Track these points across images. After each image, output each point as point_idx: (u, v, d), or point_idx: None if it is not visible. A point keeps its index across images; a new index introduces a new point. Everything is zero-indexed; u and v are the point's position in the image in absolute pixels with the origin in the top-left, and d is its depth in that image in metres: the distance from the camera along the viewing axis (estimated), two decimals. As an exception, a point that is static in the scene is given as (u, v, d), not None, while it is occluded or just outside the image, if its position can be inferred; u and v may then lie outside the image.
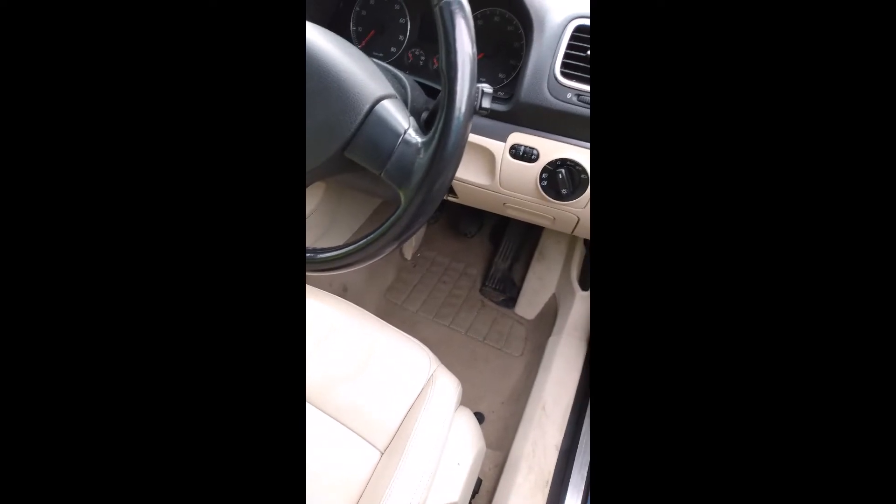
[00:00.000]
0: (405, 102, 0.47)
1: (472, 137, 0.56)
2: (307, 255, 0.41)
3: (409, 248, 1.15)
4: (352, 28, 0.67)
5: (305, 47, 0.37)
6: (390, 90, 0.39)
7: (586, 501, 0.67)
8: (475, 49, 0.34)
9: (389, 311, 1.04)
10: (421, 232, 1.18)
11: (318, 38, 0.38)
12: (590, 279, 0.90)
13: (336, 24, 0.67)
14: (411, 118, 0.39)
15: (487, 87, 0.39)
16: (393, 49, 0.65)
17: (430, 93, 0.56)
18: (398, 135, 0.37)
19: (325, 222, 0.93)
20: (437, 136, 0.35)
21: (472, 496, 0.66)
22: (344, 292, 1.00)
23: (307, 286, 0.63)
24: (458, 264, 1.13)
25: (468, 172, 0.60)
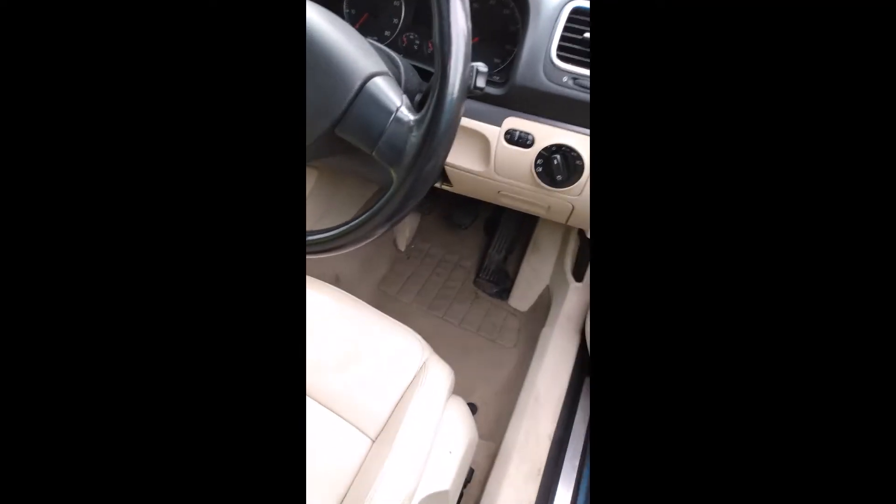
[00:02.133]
0: (398, 82, 0.46)
1: (467, 122, 0.55)
2: None
3: (403, 240, 1.14)
4: (345, 10, 0.65)
5: (306, 24, 0.36)
6: (382, 67, 0.38)
7: (578, 491, 0.67)
8: (470, 25, 0.33)
9: (383, 302, 1.04)
10: (415, 223, 1.17)
11: (310, 13, 0.37)
12: (589, 270, 0.89)
13: (329, 6, 0.66)
14: (404, 96, 0.38)
15: (482, 66, 0.38)
16: (387, 33, 0.64)
17: (425, 76, 0.55)
18: (390, 112, 0.36)
19: (319, 210, 0.92)
20: (429, 114, 0.34)
21: (464, 486, 0.65)
22: (337, 282, 0.99)
23: None
24: (452, 256, 1.12)
25: (462, 158, 0.59)
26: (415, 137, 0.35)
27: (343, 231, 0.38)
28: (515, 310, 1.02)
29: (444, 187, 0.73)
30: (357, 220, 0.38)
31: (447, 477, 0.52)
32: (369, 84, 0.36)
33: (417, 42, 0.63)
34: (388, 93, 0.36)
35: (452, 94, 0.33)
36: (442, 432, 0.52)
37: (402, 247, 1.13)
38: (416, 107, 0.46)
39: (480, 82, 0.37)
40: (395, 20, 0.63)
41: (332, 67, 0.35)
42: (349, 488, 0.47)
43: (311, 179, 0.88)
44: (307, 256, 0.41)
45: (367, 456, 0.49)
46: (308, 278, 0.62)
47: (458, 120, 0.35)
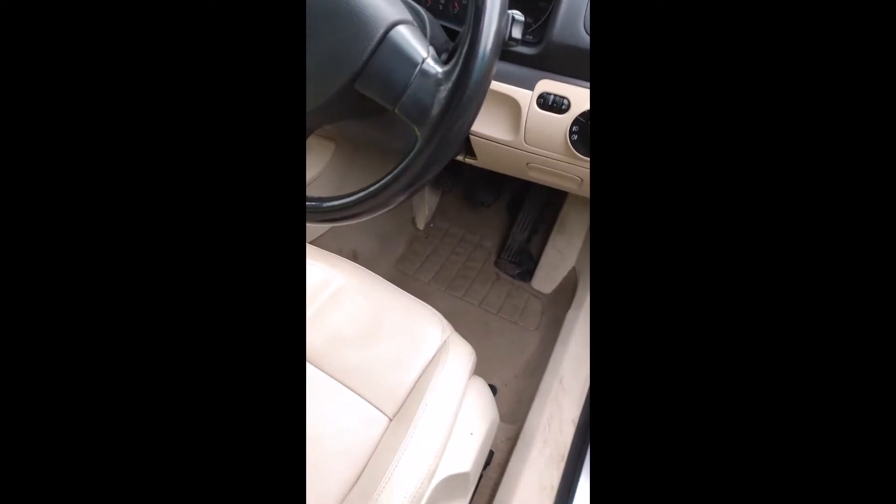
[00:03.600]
0: (423, 33, 0.42)
1: (495, 85, 0.51)
2: (310, 203, 0.38)
3: (422, 218, 1.11)
4: (366, -32, 0.61)
5: None
6: (407, 15, 0.35)
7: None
8: None
9: (401, 281, 1.02)
10: (434, 202, 1.14)
11: None
12: (590, 266, 0.85)
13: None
14: (431, 48, 0.34)
15: (519, 14, 0.34)
16: (410, -8, 0.60)
17: (451, 36, 0.51)
18: (415, 64, 0.32)
19: (335, 183, 0.90)
20: (459, 65, 0.30)
21: (484, 468, 0.64)
22: (355, 259, 0.98)
23: (316, 248, 0.61)
24: (473, 236, 1.09)
25: (489, 126, 0.55)
26: (443, 92, 0.31)
27: (362, 197, 0.35)
28: (538, 292, 0.99)
29: (468, 160, 0.70)
30: (377, 186, 0.35)
31: (467, 458, 0.50)
32: (392, 32, 0.33)
33: (443, 1, 0.59)
34: (414, 43, 0.33)
35: (486, 43, 0.30)
36: (462, 412, 0.50)
37: (421, 225, 1.10)
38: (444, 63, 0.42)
39: (517, 32, 0.33)
40: (420, -23, 0.59)
41: (351, 14, 0.32)
42: (365, 467, 0.45)
43: (328, 152, 0.86)
44: (324, 225, 0.39)
45: (384, 434, 0.47)
46: (327, 253, 0.60)
47: (492, 73, 0.31)
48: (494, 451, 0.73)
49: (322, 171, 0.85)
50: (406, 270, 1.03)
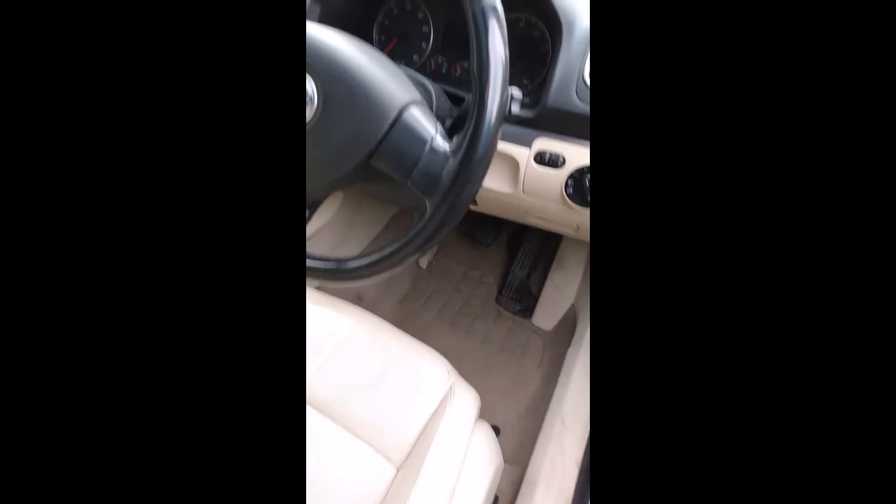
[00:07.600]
0: (430, 108, 0.46)
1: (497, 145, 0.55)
2: (333, 266, 0.40)
3: (425, 257, 1.13)
4: (375, 37, 0.66)
5: (341, 57, 0.36)
6: (416, 96, 0.38)
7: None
8: (507, 53, 0.33)
9: (404, 319, 1.03)
10: (436, 240, 1.16)
11: (344, 44, 0.38)
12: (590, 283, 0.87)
13: (359, 33, 0.67)
14: (438, 124, 0.38)
15: (517, 92, 0.38)
16: (415, 57, 0.65)
17: (454, 100, 0.55)
18: (425, 142, 0.36)
19: (342, 231, 0.93)
20: (465, 142, 0.34)
21: (490, 514, 0.64)
22: (359, 301, 1.00)
23: (322, 294, 0.63)
24: (475, 273, 1.11)
25: (490, 180, 0.59)
26: (451, 165, 0.34)
27: (378, 259, 0.38)
28: (539, 328, 1.00)
29: (469, 207, 0.73)
30: (392, 248, 0.37)
31: (474, 507, 0.51)
32: (405, 114, 0.36)
33: (446, 66, 0.64)
34: (423, 122, 0.36)
35: (490, 121, 0.33)
36: (468, 460, 0.51)
37: (424, 264, 1.13)
38: (448, 131, 0.46)
39: (515, 108, 0.37)
40: (424, 44, 0.64)
41: (368, 99, 0.36)
42: (374, 517, 0.46)
43: (335, 204, 0.89)
44: (342, 285, 0.41)
45: (392, 484, 0.48)
46: (332, 299, 0.62)
47: (495, 147, 0.34)
48: (499, 495, 0.73)
49: (330, 220, 0.88)
50: (410, 308, 1.05)
